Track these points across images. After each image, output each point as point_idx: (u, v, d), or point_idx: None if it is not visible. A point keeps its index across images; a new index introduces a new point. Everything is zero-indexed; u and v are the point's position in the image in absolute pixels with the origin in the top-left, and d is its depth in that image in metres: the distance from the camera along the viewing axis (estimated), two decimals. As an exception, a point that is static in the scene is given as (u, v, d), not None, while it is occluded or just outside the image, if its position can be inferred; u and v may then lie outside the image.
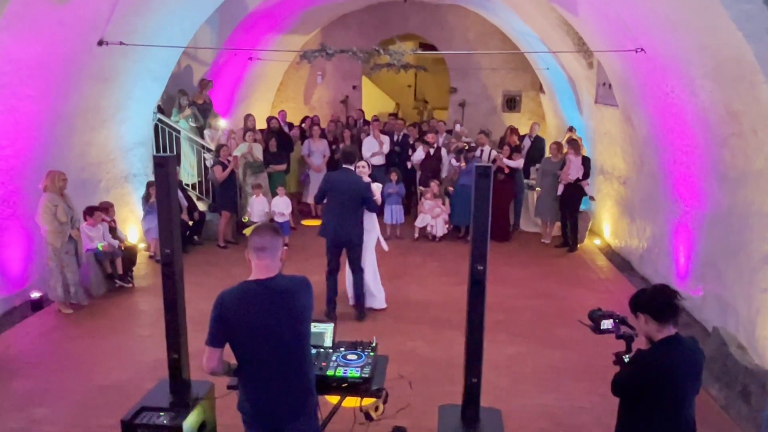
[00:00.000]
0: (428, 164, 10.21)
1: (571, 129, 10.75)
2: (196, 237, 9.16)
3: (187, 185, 9.80)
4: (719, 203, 6.08)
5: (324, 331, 3.76)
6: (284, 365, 2.85)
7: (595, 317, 3.35)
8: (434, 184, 9.62)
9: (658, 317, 2.91)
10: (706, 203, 6.37)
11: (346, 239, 6.31)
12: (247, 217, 9.06)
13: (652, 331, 2.94)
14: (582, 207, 9.47)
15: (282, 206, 9.01)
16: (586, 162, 9.04)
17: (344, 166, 6.46)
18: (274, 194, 9.30)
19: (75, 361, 5.55)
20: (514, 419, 4.51)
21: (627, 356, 3.15)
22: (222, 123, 10.77)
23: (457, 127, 12.16)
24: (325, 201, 6.54)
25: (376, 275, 6.77)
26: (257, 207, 8.91)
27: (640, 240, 8.25)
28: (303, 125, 11.89)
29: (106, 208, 7.37)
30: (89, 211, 7.01)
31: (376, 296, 6.78)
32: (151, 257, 8.37)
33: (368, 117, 13.15)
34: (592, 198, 9.68)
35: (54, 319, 6.45)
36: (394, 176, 9.56)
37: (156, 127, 9.54)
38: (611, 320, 3.30)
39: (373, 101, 17.46)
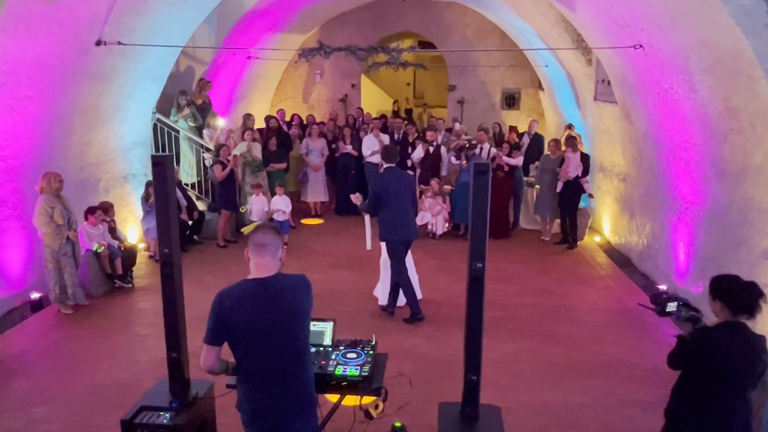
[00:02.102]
0: (428, 162, 10.21)
1: (569, 127, 10.75)
2: (195, 236, 9.16)
3: (187, 185, 9.80)
4: (719, 199, 6.08)
5: (323, 330, 3.76)
6: (283, 364, 2.85)
7: (660, 300, 3.42)
8: (434, 182, 9.62)
9: (733, 309, 3.02)
10: (706, 199, 6.37)
11: (412, 236, 6.32)
12: (244, 209, 9.05)
13: (724, 318, 3.06)
14: (582, 204, 9.46)
15: (281, 205, 9.01)
16: (585, 159, 9.04)
17: (387, 165, 6.35)
18: (273, 193, 9.30)
19: (75, 360, 5.55)
20: (514, 416, 4.51)
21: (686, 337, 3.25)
22: (220, 122, 10.77)
23: (456, 126, 12.15)
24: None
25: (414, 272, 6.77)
26: (257, 206, 8.91)
27: (639, 237, 8.25)
28: (293, 123, 11.88)
29: (107, 208, 7.36)
30: (91, 211, 7.01)
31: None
32: (150, 257, 8.36)
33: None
34: (591, 195, 9.67)
35: (54, 319, 6.45)
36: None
37: (155, 127, 9.53)
38: (676, 303, 3.37)
39: (372, 99, 17.47)
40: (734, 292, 3.04)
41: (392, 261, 6.34)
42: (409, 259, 6.59)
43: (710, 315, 3.22)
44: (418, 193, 6.49)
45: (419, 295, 6.77)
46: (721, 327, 3.07)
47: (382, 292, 6.77)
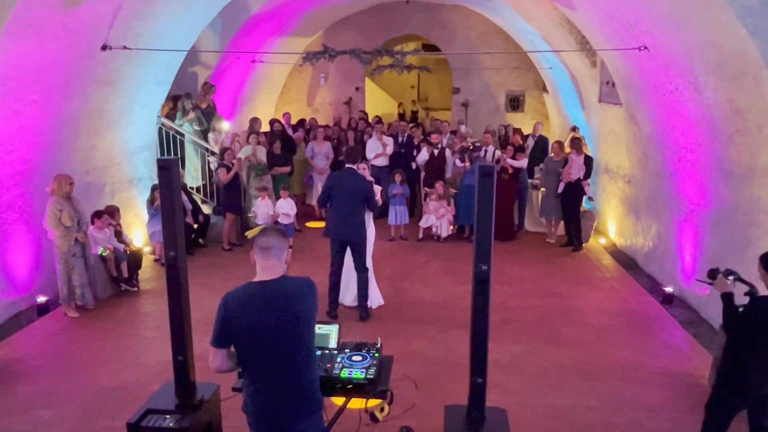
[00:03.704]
0: (432, 165, 10.21)
1: (574, 129, 10.73)
2: (200, 240, 9.18)
3: (192, 188, 9.82)
4: (725, 200, 6.06)
5: (329, 333, 3.76)
6: (288, 366, 2.85)
7: (717, 275, 3.88)
8: (439, 185, 9.61)
9: None
10: (712, 200, 6.34)
11: (350, 237, 6.36)
12: (252, 215, 9.07)
13: None
14: (586, 206, 9.44)
15: (286, 208, 9.01)
16: (588, 161, 9.02)
17: (347, 165, 6.50)
18: (277, 196, 9.31)
19: (81, 363, 5.57)
20: (520, 419, 4.50)
21: (742, 308, 3.72)
22: (225, 126, 10.79)
23: (462, 128, 12.15)
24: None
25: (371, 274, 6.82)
26: (262, 209, 8.92)
27: (645, 238, 8.22)
28: (300, 128, 11.89)
29: (112, 212, 7.39)
30: (97, 215, 7.04)
31: (373, 295, 6.84)
32: (156, 260, 8.39)
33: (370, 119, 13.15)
34: (591, 198, 9.66)
35: (60, 323, 6.47)
36: (398, 177, 9.56)
37: (160, 130, 9.57)
38: (732, 276, 3.84)
39: (376, 102, 17.50)
40: None
41: (331, 255, 6.47)
42: (369, 261, 6.70)
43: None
44: (378, 201, 6.57)
45: (380, 302, 6.88)
46: None
47: (374, 295, 6.86)
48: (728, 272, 3.87)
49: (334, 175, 6.72)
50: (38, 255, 6.75)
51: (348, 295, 6.81)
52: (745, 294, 3.72)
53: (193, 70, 11.10)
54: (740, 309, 3.68)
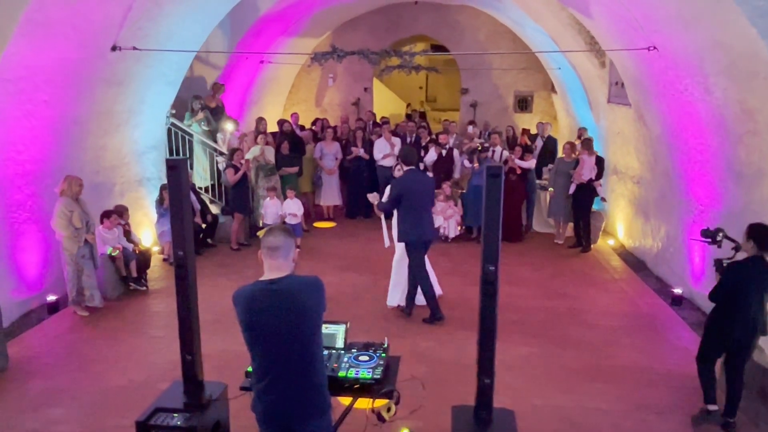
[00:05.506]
0: (440, 165, 10.20)
1: (580, 135, 10.66)
2: (209, 239, 9.22)
3: (200, 188, 9.86)
4: (734, 201, 6.02)
5: (336, 332, 3.76)
6: (295, 365, 2.86)
7: (710, 234, 4.52)
8: (446, 186, 9.61)
9: (761, 246, 4.28)
10: (721, 202, 6.30)
11: (430, 236, 6.43)
12: (261, 221, 9.09)
13: (752, 254, 4.31)
14: (595, 207, 9.40)
15: (293, 208, 9.03)
16: (599, 162, 8.98)
17: (407, 167, 6.44)
18: (284, 197, 9.33)
19: (90, 362, 5.61)
20: (528, 420, 4.48)
21: (726, 261, 4.42)
22: (230, 126, 10.81)
23: (470, 129, 12.14)
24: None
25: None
26: (271, 209, 8.94)
27: (654, 240, 8.18)
28: (314, 127, 11.92)
29: (121, 211, 7.43)
30: (106, 214, 7.08)
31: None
32: (165, 260, 8.43)
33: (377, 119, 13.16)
34: (603, 199, 9.61)
35: (70, 322, 6.52)
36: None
37: (169, 131, 9.61)
38: (721, 233, 4.48)
39: (384, 103, 17.50)
40: (764, 235, 4.25)
41: (412, 261, 6.40)
42: (426, 259, 6.63)
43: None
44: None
45: (439, 292, 6.82)
46: (748, 260, 4.30)
47: (394, 293, 6.80)
48: (718, 230, 4.49)
49: (403, 179, 6.41)
50: (48, 254, 6.80)
51: (396, 295, 6.77)
52: (732, 248, 4.44)
53: (202, 71, 11.16)
54: (724, 263, 4.41)
